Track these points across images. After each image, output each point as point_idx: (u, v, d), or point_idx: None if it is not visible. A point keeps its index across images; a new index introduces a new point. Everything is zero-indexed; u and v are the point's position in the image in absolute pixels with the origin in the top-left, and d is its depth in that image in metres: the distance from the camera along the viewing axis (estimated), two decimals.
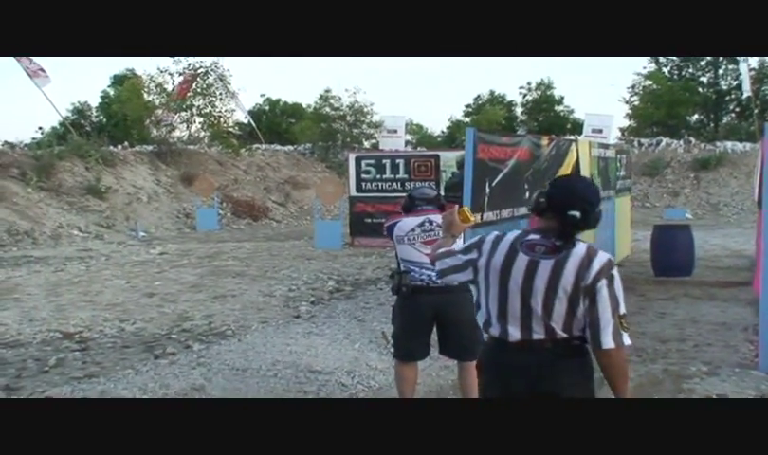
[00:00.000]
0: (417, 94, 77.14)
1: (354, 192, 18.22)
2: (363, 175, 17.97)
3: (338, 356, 7.83)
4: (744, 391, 6.48)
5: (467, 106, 46.18)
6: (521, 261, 3.35)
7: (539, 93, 45.10)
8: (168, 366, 7.62)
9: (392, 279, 5.80)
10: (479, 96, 46.35)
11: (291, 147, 35.03)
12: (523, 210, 8.81)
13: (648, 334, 8.59)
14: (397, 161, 17.82)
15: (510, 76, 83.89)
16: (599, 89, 72.91)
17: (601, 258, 3.31)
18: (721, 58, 40.94)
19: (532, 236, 3.40)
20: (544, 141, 9.72)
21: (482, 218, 7.77)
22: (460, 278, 3.66)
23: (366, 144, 34.77)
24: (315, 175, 30.71)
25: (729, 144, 31.76)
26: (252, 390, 6.81)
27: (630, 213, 15.78)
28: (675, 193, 28.77)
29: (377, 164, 17.97)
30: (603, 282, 3.25)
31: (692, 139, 33.85)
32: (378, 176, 17.79)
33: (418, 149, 33.13)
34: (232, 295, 11.60)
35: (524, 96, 45.68)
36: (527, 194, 8.91)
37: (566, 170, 10.23)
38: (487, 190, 7.87)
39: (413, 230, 5.56)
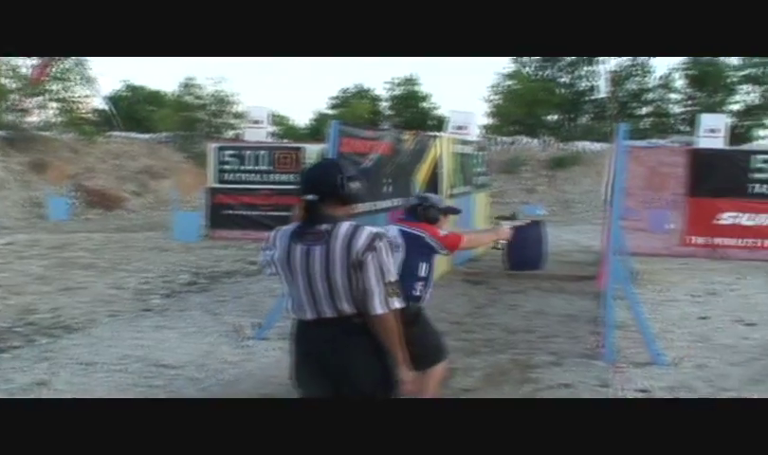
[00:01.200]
0: (283, 85, 76.53)
1: (213, 183, 17.91)
2: (224, 166, 17.70)
3: (189, 350, 7.73)
4: (587, 381, 6.79)
5: (333, 99, 46.16)
6: (298, 250, 3.56)
7: (406, 89, 45.54)
8: (11, 360, 7.34)
9: None
10: (345, 89, 46.43)
11: (150, 135, 34.09)
12: (384, 204, 8.96)
13: (498, 325, 8.88)
14: (260, 153, 17.66)
15: (377, 70, 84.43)
16: (463, 87, 74.35)
17: (365, 232, 3.52)
18: (581, 59, 42.51)
19: (303, 225, 3.60)
20: (407, 136, 9.89)
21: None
22: (269, 272, 3.78)
23: (229, 134, 34.29)
24: (174, 165, 30.02)
25: (584, 144, 33.05)
26: (99, 385, 6.62)
27: (488, 209, 16.20)
28: (531, 190, 29.75)
29: (239, 155, 17.75)
30: (369, 255, 3.47)
31: (549, 139, 35.05)
32: (240, 167, 17.59)
33: (284, 141, 32.96)
34: (81, 287, 11.23)
35: (390, 91, 46.07)
36: (389, 188, 9.06)
37: (427, 165, 10.45)
38: None
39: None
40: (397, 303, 3.58)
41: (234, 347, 7.87)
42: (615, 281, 7.78)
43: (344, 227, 3.54)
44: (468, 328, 8.72)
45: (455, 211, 6.03)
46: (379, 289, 3.51)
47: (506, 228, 5.77)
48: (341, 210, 3.65)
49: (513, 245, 11.17)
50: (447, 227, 5.54)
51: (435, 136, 11.53)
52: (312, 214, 3.57)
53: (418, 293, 5.26)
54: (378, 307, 3.51)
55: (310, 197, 3.57)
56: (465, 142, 14.23)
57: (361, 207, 8.32)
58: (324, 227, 3.54)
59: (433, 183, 10.96)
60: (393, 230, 5.33)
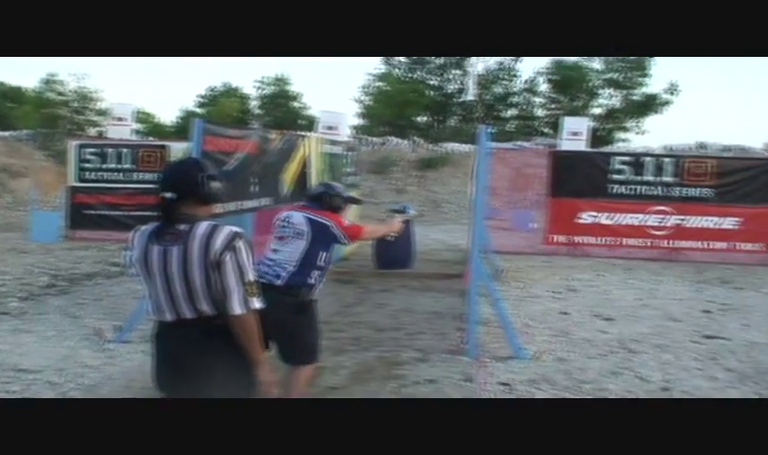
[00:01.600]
0: (149, 82, 74.58)
1: (74, 182, 17.21)
2: (85, 164, 17.03)
3: (47, 354, 7.40)
4: (452, 376, 6.88)
5: (201, 97, 45.43)
6: (155, 251, 3.48)
7: (276, 88, 45.24)
8: None
9: None
10: (213, 87, 45.73)
11: (10, 133, 32.60)
12: (250, 204, 8.83)
13: (365, 323, 8.90)
14: (122, 151, 17.08)
15: (246, 69, 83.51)
16: (334, 87, 74.44)
17: (224, 232, 3.46)
18: (449, 62, 43.25)
19: (161, 225, 3.52)
20: (273, 136, 9.79)
21: None
22: (132, 273, 3.66)
23: (92, 132, 33.22)
24: (34, 163, 28.76)
25: (453, 145, 33.64)
26: None
27: (357, 209, 16.23)
28: (401, 191, 30.02)
29: (101, 153, 17.09)
30: (227, 254, 3.42)
31: (419, 139, 35.50)
32: (101, 166, 16.96)
33: (148, 139, 32.14)
34: None
35: (259, 89, 45.68)
36: (255, 188, 8.94)
37: (295, 165, 10.38)
38: None
39: (276, 223, 5.44)
40: (257, 303, 3.53)
41: (95, 351, 7.60)
42: (478, 278, 7.90)
43: (202, 226, 3.47)
44: (337, 327, 8.70)
45: (357, 201, 6.05)
46: (239, 289, 3.45)
47: (399, 221, 5.80)
48: (201, 210, 3.58)
49: (382, 244, 11.37)
50: (347, 216, 5.59)
51: (303, 136, 11.47)
52: (170, 213, 3.49)
53: (313, 281, 5.26)
54: (237, 307, 3.45)
55: (168, 195, 3.49)
56: (334, 142, 14.21)
57: (227, 206, 8.19)
58: (182, 226, 3.46)
59: (302, 182, 10.90)
60: (299, 217, 5.31)
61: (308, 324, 5.33)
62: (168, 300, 3.49)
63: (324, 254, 5.29)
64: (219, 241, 3.42)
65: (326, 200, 5.45)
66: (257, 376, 3.58)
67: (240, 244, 3.46)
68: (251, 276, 3.51)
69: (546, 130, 40.70)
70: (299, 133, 12.10)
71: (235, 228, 3.54)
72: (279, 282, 5.15)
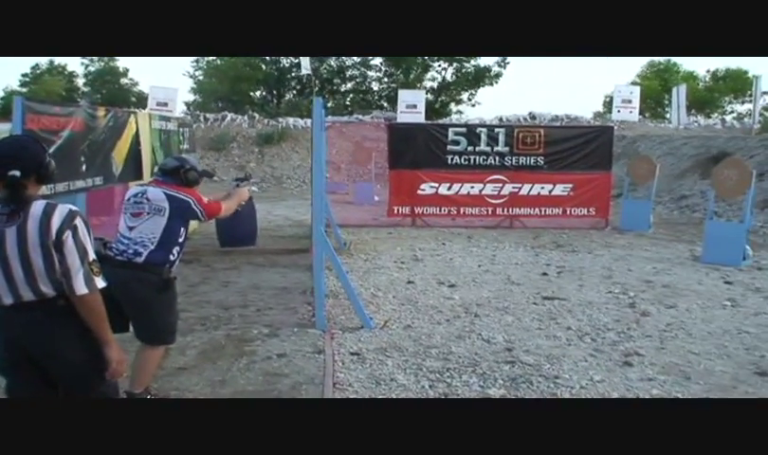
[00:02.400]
0: None
1: None
2: None
3: None
4: (302, 349, 6.82)
5: (24, 75, 43.27)
6: None
7: (102, 64, 43.61)
8: None
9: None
10: (37, 65, 43.60)
11: None
12: (81, 184, 8.44)
13: (212, 302, 8.69)
14: None
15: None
16: (164, 62, 72.43)
17: (61, 211, 3.37)
18: None
19: None
20: (101, 112, 9.36)
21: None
22: None
23: None
24: None
25: (291, 120, 33.48)
26: None
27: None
28: (241, 167, 29.60)
29: None
30: (68, 233, 3.34)
31: (256, 115, 35.14)
32: None
33: None
34: None
35: (86, 67, 43.93)
36: (84, 167, 8.54)
37: (125, 142, 10.00)
38: None
39: (129, 199, 5.18)
40: (101, 282, 3.45)
41: None
42: (321, 251, 7.86)
43: (38, 205, 3.34)
44: (182, 307, 8.37)
45: (210, 175, 5.84)
46: (83, 269, 3.38)
47: (246, 190, 5.67)
48: (35, 189, 3.44)
49: (224, 221, 11.16)
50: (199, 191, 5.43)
51: (132, 113, 11.03)
52: (16, 193, 3.32)
53: (174, 257, 5.16)
54: (83, 287, 3.37)
55: (13, 173, 3.32)
56: (166, 119, 13.79)
57: (57, 187, 7.80)
58: (14, 206, 3.32)
59: (135, 160, 10.52)
60: (156, 193, 5.12)
61: (169, 303, 5.24)
62: (5, 283, 3.34)
63: (183, 230, 5.20)
64: (57, 220, 3.32)
65: (182, 174, 5.29)
66: (107, 356, 3.49)
67: (78, 222, 3.38)
68: (92, 254, 3.44)
69: (384, 104, 41.20)
70: (128, 109, 11.60)
71: (71, 207, 3.43)
72: (139, 260, 5.03)
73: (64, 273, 3.36)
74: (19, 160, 3.36)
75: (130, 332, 5.19)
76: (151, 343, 5.28)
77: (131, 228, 5.10)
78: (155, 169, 5.50)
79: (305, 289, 9.25)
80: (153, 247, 5.04)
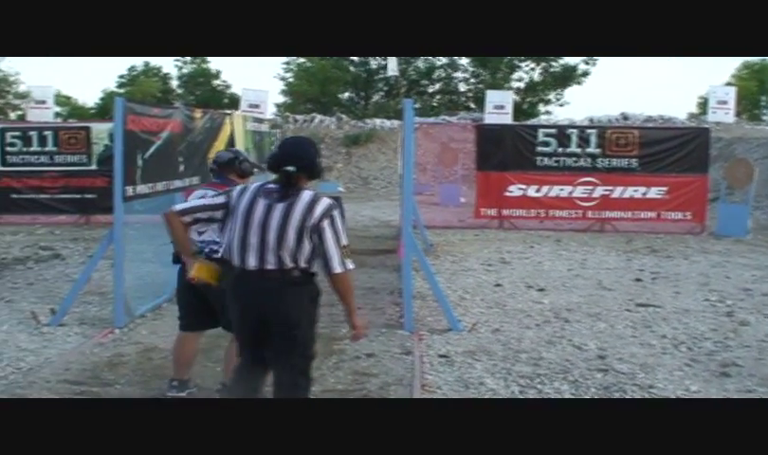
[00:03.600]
0: (67, 63, 72.49)
1: None
2: (8, 148, 16.45)
3: None
4: (391, 350, 6.87)
5: (121, 77, 44.46)
6: (261, 204, 4.09)
7: (196, 66, 44.54)
8: None
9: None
10: (133, 67, 44.74)
11: None
12: (178, 183, 8.65)
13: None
14: (45, 133, 16.51)
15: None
16: (256, 65, 73.58)
17: (323, 203, 4.11)
18: None
19: (269, 185, 4.14)
20: (197, 114, 9.58)
21: (134, 191, 7.53)
22: (198, 214, 4.43)
23: (12, 116, 32.19)
24: None
25: (378, 121, 33.58)
26: None
27: None
28: (329, 168, 29.84)
29: (23, 136, 16.51)
30: (326, 222, 4.08)
31: (344, 116, 35.37)
32: (25, 149, 16.41)
33: (68, 121, 31.21)
34: None
35: (180, 69, 44.94)
36: (182, 167, 8.75)
37: (220, 143, 10.18)
38: (140, 162, 7.61)
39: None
40: (351, 265, 4.19)
41: (31, 334, 7.43)
42: (410, 252, 7.88)
43: (306, 194, 4.13)
44: None
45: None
46: (338, 252, 4.10)
47: None
48: (304, 182, 4.20)
49: None
50: None
51: (228, 114, 11.25)
52: (288, 183, 4.10)
53: None
54: (337, 267, 4.12)
55: (290, 169, 4.10)
56: (259, 121, 14.02)
57: (156, 186, 8.03)
58: (285, 190, 4.10)
59: None
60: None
61: None
62: (257, 248, 4.06)
63: None
64: (319, 209, 4.07)
65: (237, 165, 5.56)
66: (354, 322, 4.38)
67: (335, 213, 4.12)
68: (345, 240, 4.17)
69: (471, 105, 41.01)
70: (223, 111, 11.81)
71: (331, 200, 4.18)
72: (217, 255, 5.09)
73: (321, 254, 4.10)
74: (296, 159, 4.16)
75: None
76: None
77: (200, 233, 5.20)
78: (210, 163, 5.65)
79: (393, 290, 9.29)
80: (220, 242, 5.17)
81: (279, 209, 4.06)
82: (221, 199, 4.36)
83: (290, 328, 4.15)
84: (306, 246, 4.07)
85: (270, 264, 4.06)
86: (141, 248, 9.97)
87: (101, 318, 7.98)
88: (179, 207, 4.42)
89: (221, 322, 5.46)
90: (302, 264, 4.10)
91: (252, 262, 4.08)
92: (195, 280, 4.75)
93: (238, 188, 4.31)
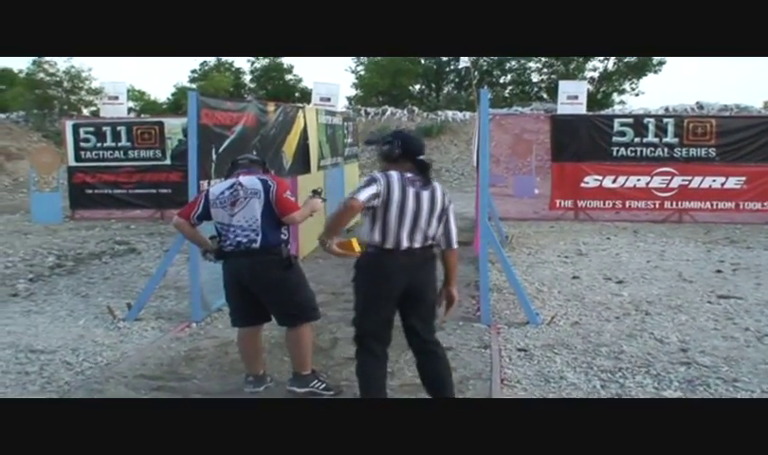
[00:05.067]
0: (139, 59, 73.95)
1: (72, 162, 17.00)
2: (82, 144, 16.79)
3: (61, 334, 7.32)
4: (468, 343, 6.79)
5: (193, 72, 45.06)
6: (411, 193, 4.52)
7: (268, 61, 44.87)
8: None
9: (212, 240, 5.63)
10: (205, 62, 45.30)
11: (3, 115, 32.31)
12: None
13: None
14: (118, 128, 16.81)
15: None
16: (327, 59, 74.05)
17: (443, 189, 4.74)
18: None
19: (408, 175, 4.56)
20: (270, 108, 9.60)
21: (209, 185, 7.56)
22: (373, 204, 4.49)
23: (85, 112, 32.92)
24: (30, 145, 28.48)
25: (450, 113, 33.43)
26: None
27: (357, 179, 16.12)
28: None
29: (97, 132, 16.84)
30: (450, 206, 4.75)
31: (415, 108, 35.28)
32: (99, 145, 16.72)
33: (141, 116, 31.77)
34: None
35: (252, 63, 45.34)
36: None
37: (294, 136, 10.21)
38: (214, 156, 7.66)
39: (223, 193, 5.41)
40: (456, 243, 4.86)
41: (108, 329, 7.52)
42: (487, 245, 7.77)
43: (435, 182, 4.71)
44: (348, 298, 8.47)
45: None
46: (455, 231, 4.81)
47: (318, 201, 5.68)
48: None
49: None
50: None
51: (300, 108, 11.26)
52: (424, 170, 4.61)
53: (287, 237, 5.46)
54: (455, 243, 4.83)
55: (424, 158, 4.66)
56: (332, 113, 14.02)
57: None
58: (425, 178, 4.61)
59: (304, 154, 10.74)
60: (249, 180, 5.39)
61: (298, 280, 5.48)
62: (410, 231, 4.53)
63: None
64: (446, 196, 4.72)
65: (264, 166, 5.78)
66: (453, 294, 4.87)
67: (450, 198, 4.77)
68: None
69: (544, 95, 40.51)
70: (295, 104, 11.82)
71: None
72: (256, 246, 5.29)
73: (445, 232, 4.72)
74: (424, 149, 4.71)
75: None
76: (294, 324, 5.47)
77: (231, 216, 5.31)
78: (238, 161, 5.70)
79: (469, 282, 9.17)
80: (262, 231, 5.27)
81: (425, 196, 4.56)
82: (371, 191, 4.47)
83: (432, 293, 4.76)
84: (439, 227, 4.66)
85: (417, 243, 4.56)
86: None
87: (178, 313, 8.08)
88: (363, 197, 4.44)
89: (272, 316, 5.55)
90: (434, 242, 4.69)
91: (405, 243, 4.52)
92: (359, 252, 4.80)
93: (380, 178, 4.49)
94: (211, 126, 7.67)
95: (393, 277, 4.59)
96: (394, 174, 4.52)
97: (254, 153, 8.65)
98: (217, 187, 5.59)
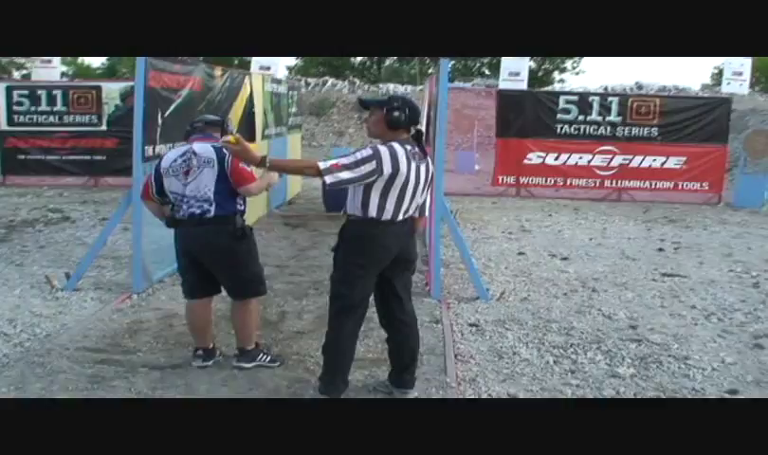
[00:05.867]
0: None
1: (4, 126, 16.20)
2: (15, 107, 16.07)
3: None
4: (420, 318, 6.65)
5: None
6: (413, 167, 4.51)
7: None
8: None
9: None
10: None
11: None
12: None
13: (323, 267, 8.55)
14: (54, 92, 16.15)
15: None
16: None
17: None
18: None
19: (408, 147, 4.51)
20: (218, 72, 9.35)
21: (153, 151, 7.32)
22: (353, 184, 4.42)
23: (16, 75, 31.92)
24: None
25: (391, 86, 33.30)
26: None
27: (300, 151, 15.93)
28: (341, 133, 29.65)
29: (32, 95, 16.10)
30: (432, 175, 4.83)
31: (357, 81, 35.07)
32: (33, 109, 16.04)
33: (75, 81, 30.92)
34: None
35: None
36: None
37: (240, 103, 10.00)
38: (160, 120, 7.41)
39: (175, 161, 5.20)
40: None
41: (45, 299, 7.24)
42: (441, 220, 7.68)
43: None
44: (294, 271, 8.46)
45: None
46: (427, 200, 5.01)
47: (274, 174, 5.50)
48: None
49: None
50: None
51: (247, 74, 11.01)
52: (420, 140, 4.61)
53: (242, 207, 5.31)
54: (426, 212, 5.12)
55: (421, 127, 4.67)
56: (278, 81, 13.78)
57: (177, 146, 7.79)
58: (419, 149, 4.61)
59: (249, 121, 10.52)
60: (203, 147, 5.17)
61: (249, 252, 5.34)
62: (408, 204, 4.55)
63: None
64: (432, 164, 4.75)
65: (225, 127, 5.50)
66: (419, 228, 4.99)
67: None
68: None
69: (485, 71, 40.65)
70: (243, 71, 11.54)
71: None
72: (210, 215, 5.13)
73: (423, 201, 4.78)
74: (419, 119, 4.72)
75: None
76: (243, 297, 5.37)
77: (185, 185, 5.14)
78: (194, 124, 5.49)
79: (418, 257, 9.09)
80: (215, 201, 5.11)
81: (422, 169, 4.57)
82: (369, 168, 4.37)
83: (414, 260, 4.90)
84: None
85: (407, 214, 4.59)
86: None
87: (118, 283, 7.82)
88: (331, 179, 4.33)
89: (223, 288, 5.41)
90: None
91: (401, 215, 4.54)
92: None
93: (385, 152, 4.42)
94: (159, 89, 7.41)
95: (390, 247, 4.61)
96: (399, 149, 4.45)
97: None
98: (170, 154, 5.36)
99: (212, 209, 5.11)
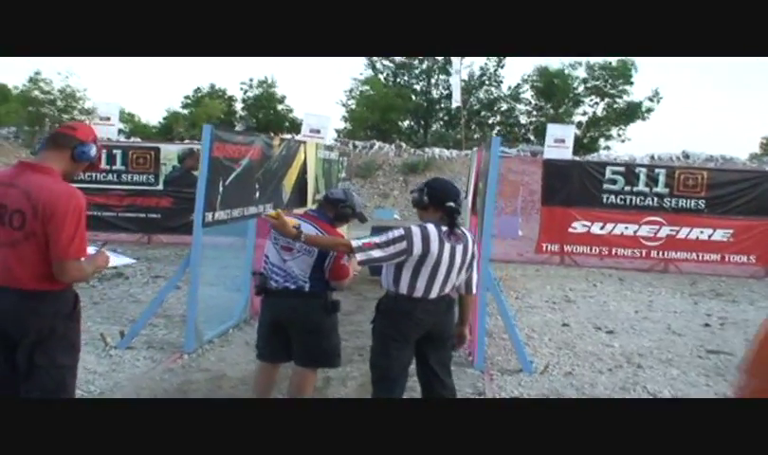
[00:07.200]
0: (133, 81, 73.95)
1: None
2: None
3: None
4: (462, 389, 6.77)
5: (186, 97, 45.07)
6: (447, 248, 4.66)
7: (261, 90, 44.99)
8: None
9: (254, 276, 5.82)
10: (198, 88, 45.30)
11: None
12: (253, 210, 8.70)
13: (367, 332, 8.64)
14: (114, 152, 16.71)
15: (232, 71, 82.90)
16: (319, 90, 74.43)
17: (473, 237, 4.98)
18: (434, 66, 43.51)
19: (444, 228, 4.66)
20: (276, 142, 9.66)
21: (213, 217, 7.59)
22: (382, 263, 4.73)
23: None
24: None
25: (437, 150, 33.56)
26: None
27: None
28: (385, 195, 29.90)
29: None
30: (475, 252, 4.92)
31: (403, 144, 35.42)
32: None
33: (132, 139, 31.65)
34: None
35: (245, 92, 45.45)
36: (257, 194, 8.82)
37: (294, 170, 10.25)
38: (221, 188, 7.69)
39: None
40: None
41: (99, 356, 7.46)
42: (485, 288, 7.80)
43: (465, 230, 4.91)
44: (344, 336, 8.61)
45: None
46: (476, 277, 5.11)
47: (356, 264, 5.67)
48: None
49: None
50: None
51: (302, 142, 11.32)
52: (454, 219, 4.72)
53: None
54: (475, 289, 5.11)
55: (453, 205, 4.72)
56: (330, 148, 14.10)
57: (232, 213, 8.07)
58: (459, 230, 4.77)
59: (301, 188, 10.78)
60: (308, 230, 5.27)
61: (334, 326, 5.57)
62: (442, 284, 4.69)
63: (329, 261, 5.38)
64: (474, 244, 4.87)
65: (338, 208, 5.61)
66: (464, 333, 5.21)
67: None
68: None
69: (531, 137, 40.83)
70: (298, 138, 11.83)
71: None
72: (306, 289, 5.31)
73: (467, 279, 4.94)
74: (455, 195, 4.78)
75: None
76: (316, 366, 5.58)
77: (284, 261, 5.36)
78: (318, 195, 5.72)
79: None
80: (310, 280, 5.30)
81: (459, 250, 4.71)
82: (399, 248, 4.61)
83: (449, 337, 4.99)
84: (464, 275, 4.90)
85: (444, 292, 4.75)
86: (204, 271, 10.06)
87: (169, 342, 8.03)
88: (377, 254, 4.63)
89: (294, 357, 5.55)
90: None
91: (435, 293, 4.68)
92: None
93: (417, 234, 4.62)
94: (221, 158, 7.70)
95: (422, 322, 4.75)
96: (433, 229, 4.65)
97: (257, 186, 8.70)
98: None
99: (307, 285, 5.31)
